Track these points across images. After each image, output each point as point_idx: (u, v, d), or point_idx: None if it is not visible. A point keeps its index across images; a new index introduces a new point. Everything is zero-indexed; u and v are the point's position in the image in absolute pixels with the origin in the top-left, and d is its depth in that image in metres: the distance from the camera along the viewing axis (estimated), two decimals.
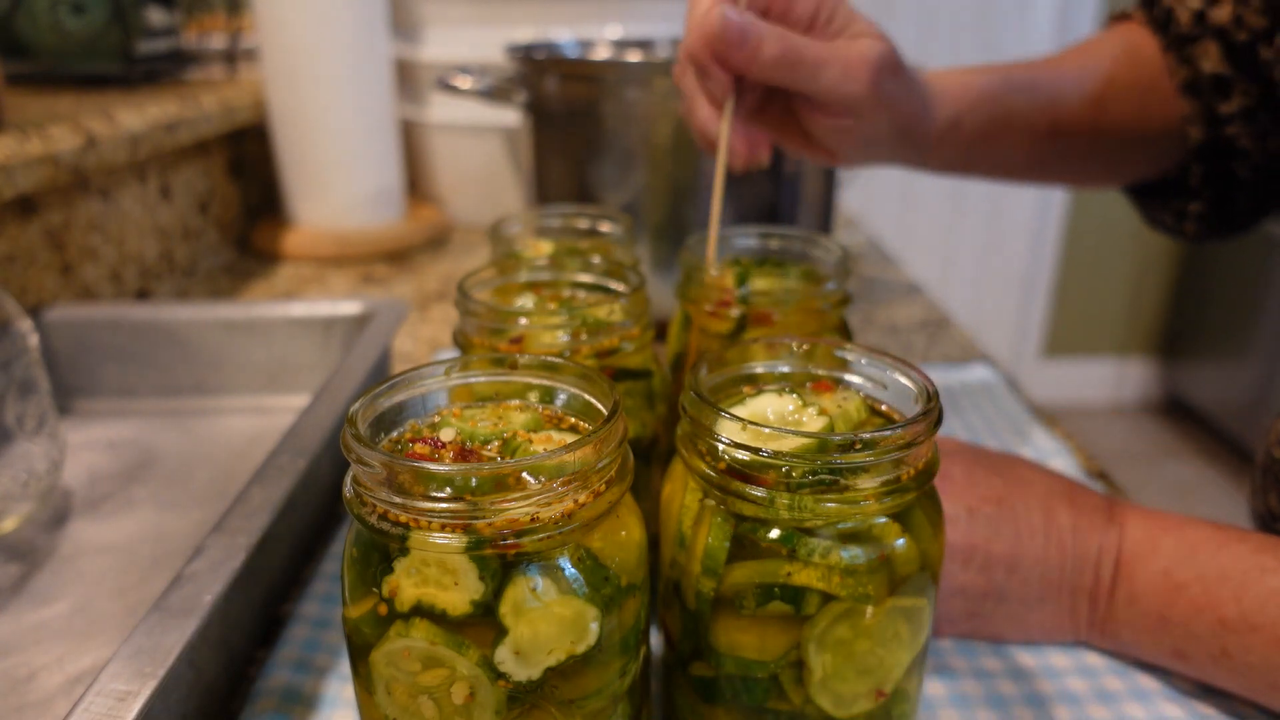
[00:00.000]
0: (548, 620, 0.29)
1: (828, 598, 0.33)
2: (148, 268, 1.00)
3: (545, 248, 0.58)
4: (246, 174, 1.25)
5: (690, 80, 0.52)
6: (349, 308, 0.75)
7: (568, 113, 0.83)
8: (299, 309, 0.76)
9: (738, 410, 0.35)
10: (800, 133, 0.54)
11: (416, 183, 1.32)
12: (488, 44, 1.11)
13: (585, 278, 0.49)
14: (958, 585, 0.45)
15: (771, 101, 0.54)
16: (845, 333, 0.51)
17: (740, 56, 0.47)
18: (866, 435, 0.31)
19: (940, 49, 2.64)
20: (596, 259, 0.53)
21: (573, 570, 0.30)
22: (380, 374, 0.68)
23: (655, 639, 0.44)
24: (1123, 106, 0.62)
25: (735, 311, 0.47)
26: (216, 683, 0.43)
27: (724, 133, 0.51)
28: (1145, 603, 0.43)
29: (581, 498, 0.29)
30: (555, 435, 0.33)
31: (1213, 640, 0.41)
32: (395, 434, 0.34)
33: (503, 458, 0.32)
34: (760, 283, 0.49)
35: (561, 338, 0.42)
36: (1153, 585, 0.43)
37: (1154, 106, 0.62)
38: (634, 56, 0.83)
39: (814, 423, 0.35)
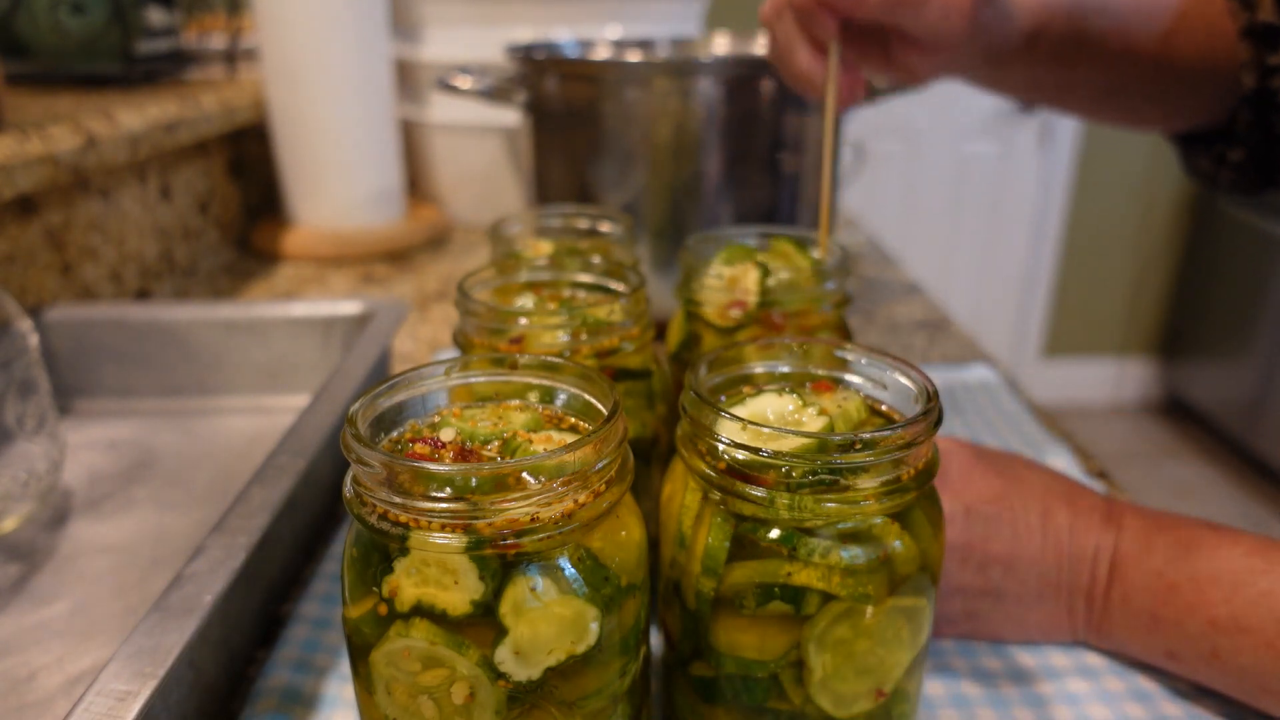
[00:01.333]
0: (548, 620, 0.29)
1: (828, 597, 0.33)
2: (148, 268, 1.00)
3: (545, 248, 0.58)
4: (246, 174, 1.25)
5: (787, 26, 0.53)
6: (349, 308, 0.75)
7: (568, 113, 0.83)
8: (299, 309, 0.76)
9: (738, 410, 0.35)
10: (882, 55, 0.56)
11: (416, 183, 1.32)
12: (488, 44, 1.11)
13: (585, 278, 0.49)
14: (955, 585, 0.45)
15: (860, 34, 0.55)
16: (845, 333, 0.51)
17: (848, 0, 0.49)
18: (866, 435, 0.31)
19: None
20: (596, 259, 0.53)
21: (573, 570, 0.30)
22: (380, 374, 0.68)
23: (655, 639, 0.44)
24: (1190, 43, 0.62)
25: (746, 308, 0.47)
26: (216, 683, 0.43)
27: (833, 75, 0.52)
28: (1138, 602, 0.43)
29: (581, 498, 0.29)
30: (555, 435, 0.33)
31: (1203, 641, 0.41)
32: (395, 434, 0.34)
33: (503, 458, 0.32)
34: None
35: (561, 338, 0.42)
36: (1146, 585, 0.43)
37: (1220, 48, 0.62)
38: (634, 56, 0.83)
39: (814, 423, 0.35)
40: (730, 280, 0.49)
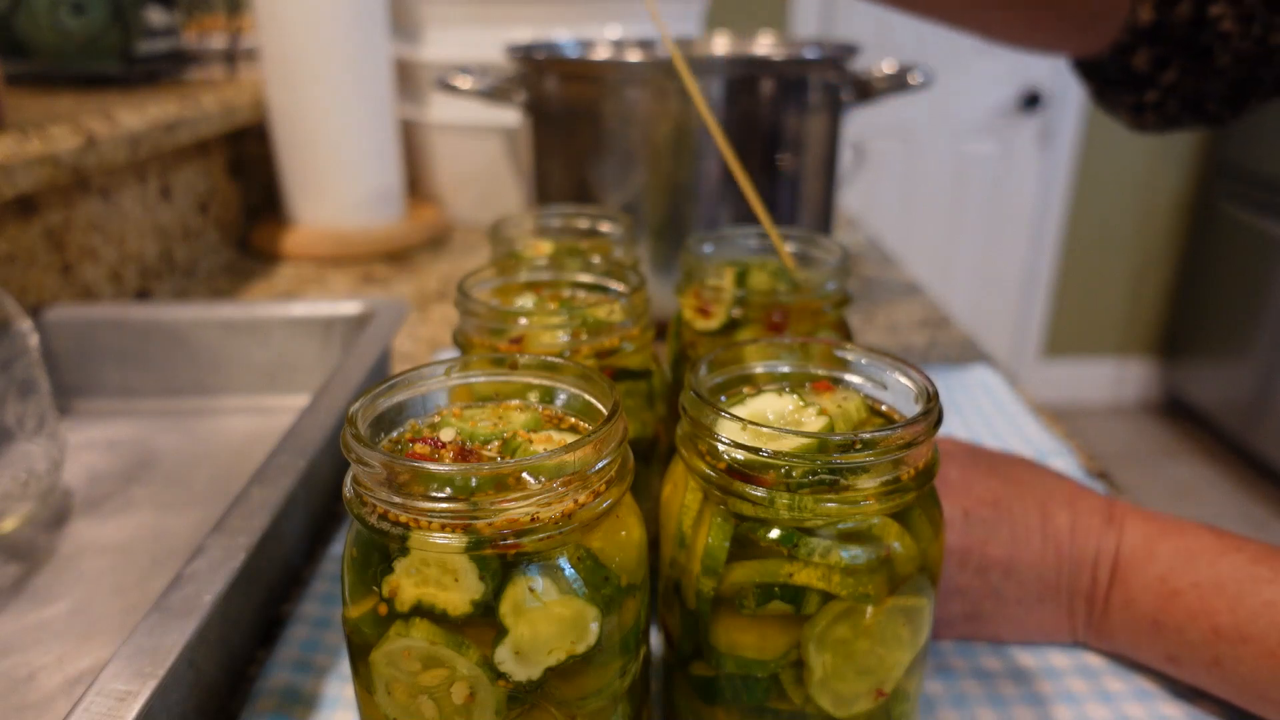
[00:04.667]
0: (548, 620, 0.29)
1: (828, 597, 0.33)
2: (148, 268, 1.00)
3: (545, 248, 0.58)
4: (246, 174, 1.25)
5: None
6: (349, 308, 0.75)
7: (568, 113, 0.83)
8: (299, 309, 0.76)
9: (738, 410, 0.35)
10: None
11: (416, 183, 1.32)
12: (488, 44, 1.11)
13: (585, 278, 0.49)
14: (954, 588, 0.45)
15: None
16: (845, 333, 0.51)
17: None
18: (866, 435, 0.31)
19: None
20: (596, 259, 0.53)
21: (572, 570, 0.30)
22: (380, 374, 0.68)
23: (655, 639, 0.44)
24: None
25: (729, 312, 0.47)
26: (216, 683, 0.43)
27: None
28: (1140, 607, 0.43)
29: (581, 498, 0.29)
30: (555, 435, 0.33)
31: (1205, 648, 0.41)
32: (395, 434, 0.34)
33: (503, 458, 0.32)
34: (760, 281, 0.49)
35: (561, 338, 0.42)
36: (1149, 590, 0.43)
37: None
38: (634, 56, 0.83)
39: (814, 423, 0.35)
40: (714, 286, 0.48)
